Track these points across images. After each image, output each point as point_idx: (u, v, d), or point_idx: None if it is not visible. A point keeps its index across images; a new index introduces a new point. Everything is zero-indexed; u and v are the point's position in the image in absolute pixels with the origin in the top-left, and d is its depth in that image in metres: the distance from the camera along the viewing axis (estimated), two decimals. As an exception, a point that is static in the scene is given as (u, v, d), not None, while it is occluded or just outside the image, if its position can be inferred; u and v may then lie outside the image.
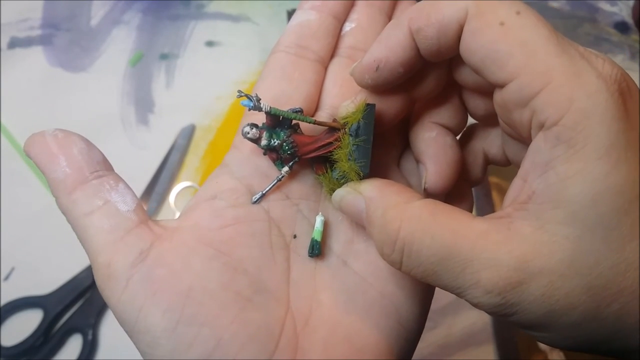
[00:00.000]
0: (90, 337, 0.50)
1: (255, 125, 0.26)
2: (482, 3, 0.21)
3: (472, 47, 0.22)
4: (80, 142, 0.25)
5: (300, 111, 0.27)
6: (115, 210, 0.24)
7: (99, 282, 0.24)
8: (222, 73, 0.63)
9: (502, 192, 0.56)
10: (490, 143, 0.28)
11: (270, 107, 0.26)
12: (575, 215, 0.19)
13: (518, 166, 0.26)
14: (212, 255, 0.24)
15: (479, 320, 0.51)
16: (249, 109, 0.25)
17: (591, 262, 0.19)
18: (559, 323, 0.20)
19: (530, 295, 0.20)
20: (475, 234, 0.21)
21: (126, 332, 0.23)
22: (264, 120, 0.27)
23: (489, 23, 0.21)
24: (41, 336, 0.49)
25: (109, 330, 0.51)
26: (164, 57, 0.64)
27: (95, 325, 0.50)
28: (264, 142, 0.26)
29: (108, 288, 0.23)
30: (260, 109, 0.25)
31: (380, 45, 0.24)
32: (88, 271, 0.52)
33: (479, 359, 0.50)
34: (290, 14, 0.65)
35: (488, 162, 0.29)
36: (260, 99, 0.25)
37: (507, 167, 0.29)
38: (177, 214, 0.55)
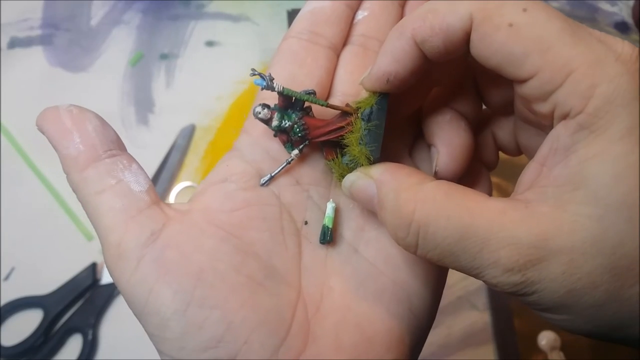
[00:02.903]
0: (90, 337, 0.50)
1: (267, 106, 0.26)
2: (486, 5, 0.21)
3: (485, 52, 0.21)
4: (94, 119, 0.24)
5: (313, 93, 0.26)
6: (128, 190, 0.23)
7: (108, 262, 0.23)
8: (222, 73, 0.63)
9: (502, 191, 0.56)
10: (502, 130, 0.28)
11: (283, 88, 0.25)
12: (597, 194, 0.19)
13: (529, 154, 0.26)
14: (223, 237, 0.24)
15: (479, 320, 0.51)
16: (262, 88, 0.25)
17: (615, 242, 0.19)
18: (580, 303, 0.19)
19: (551, 272, 0.19)
20: (492, 212, 0.20)
21: (135, 313, 0.23)
22: (276, 102, 0.26)
23: (498, 26, 0.20)
24: (41, 336, 0.49)
25: (109, 330, 0.51)
26: (164, 57, 0.64)
27: (95, 325, 0.50)
28: (275, 123, 0.26)
29: (118, 268, 0.23)
30: (272, 89, 0.25)
31: (387, 58, 0.24)
32: (88, 271, 0.52)
33: (479, 359, 0.50)
34: (290, 14, 0.65)
35: (498, 149, 0.29)
36: (273, 79, 0.25)
37: (508, 166, 0.28)
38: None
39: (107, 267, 0.23)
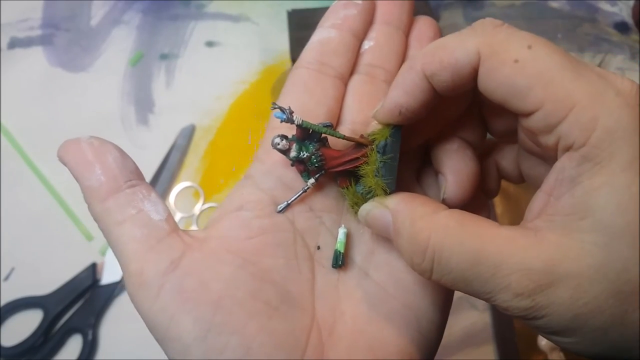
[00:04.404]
0: (90, 337, 0.50)
1: (285, 137, 0.27)
2: (493, 43, 0.22)
3: (491, 86, 0.22)
4: (114, 151, 0.25)
5: (330, 126, 0.28)
6: (147, 219, 0.24)
7: (130, 290, 0.24)
8: (222, 73, 0.63)
9: (502, 192, 0.56)
10: (505, 159, 0.29)
11: (302, 120, 0.26)
12: (602, 223, 0.20)
13: (532, 182, 0.27)
14: (240, 264, 0.25)
15: (479, 320, 0.51)
16: (282, 121, 0.26)
17: (619, 268, 0.19)
18: (586, 327, 0.20)
19: (559, 297, 0.20)
20: (503, 240, 0.21)
21: (156, 339, 0.23)
22: (293, 133, 0.27)
23: (503, 62, 0.21)
24: (41, 336, 0.49)
25: (109, 330, 0.51)
26: (164, 57, 0.64)
27: (95, 325, 0.50)
28: (293, 153, 0.27)
29: (139, 296, 0.23)
30: (292, 122, 0.26)
31: (399, 90, 0.25)
32: (88, 271, 0.52)
33: (479, 359, 0.50)
34: (290, 14, 0.65)
35: (501, 177, 0.30)
36: (293, 112, 0.26)
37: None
38: (177, 214, 0.56)
39: (128, 294, 0.24)
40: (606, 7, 0.68)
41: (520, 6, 0.68)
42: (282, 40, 0.65)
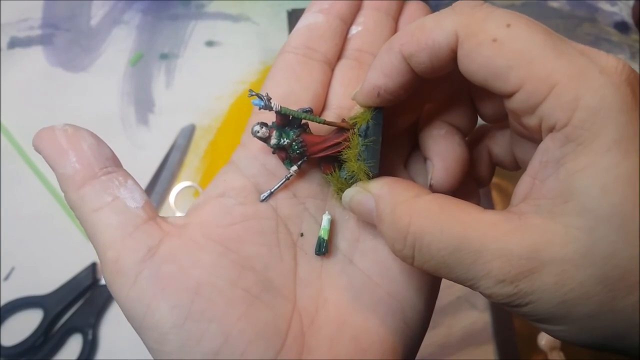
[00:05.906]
0: (90, 337, 0.50)
1: (265, 124, 0.26)
2: (471, 23, 0.21)
3: (471, 68, 0.21)
4: (89, 138, 0.24)
5: (310, 111, 0.27)
6: (124, 207, 0.24)
7: (107, 278, 0.23)
8: (222, 73, 0.63)
9: (502, 192, 0.56)
10: (498, 145, 0.28)
11: (280, 107, 0.25)
12: (587, 206, 0.19)
13: (526, 167, 0.27)
14: (221, 252, 0.24)
15: (479, 320, 0.51)
16: (260, 108, 0.25)
17: (606, 253, 0.19)
18: (573, 314, 0.20)
19: (543, 283, 0.19)
20: (485, 225, 0.21)
21: (134, 328, 0.23)
22: (274, 119, 0.27)
23: (482, 42, 0.21)
24: (41, 336, 0.49)
25: (109, 330, 0.51)
26: (164, 57, 0.64)
27: (95, 325, 0.50)
28: (273, 141, 0.26)
29: (116, 283, 0.23)
30: (270, 108, 0.25)
31: (377, 72, 0.24)
32: (88, 271, 0.52)
33: (479, 359, 0.50)
34: (290, 14, 0.65)
35: (495, 163, 0.29)
36: (270, 99, 0.25)
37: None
38: (177, 214, 0.55)
39: (106, 282, 0.24)
40: (606, 7, 0.68)
41: (520, 6, 0.68)
42: (282, 40, 0.64)
